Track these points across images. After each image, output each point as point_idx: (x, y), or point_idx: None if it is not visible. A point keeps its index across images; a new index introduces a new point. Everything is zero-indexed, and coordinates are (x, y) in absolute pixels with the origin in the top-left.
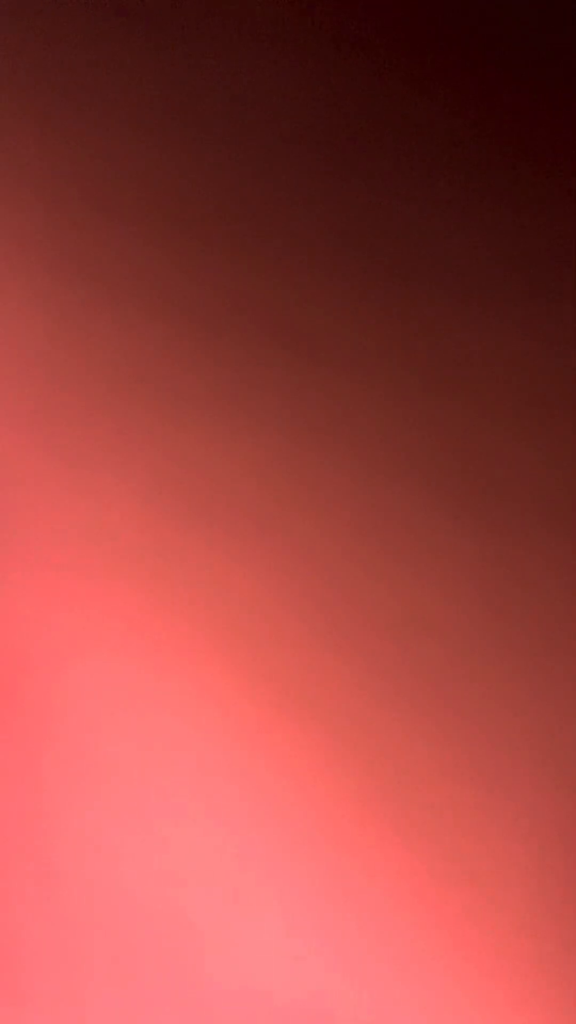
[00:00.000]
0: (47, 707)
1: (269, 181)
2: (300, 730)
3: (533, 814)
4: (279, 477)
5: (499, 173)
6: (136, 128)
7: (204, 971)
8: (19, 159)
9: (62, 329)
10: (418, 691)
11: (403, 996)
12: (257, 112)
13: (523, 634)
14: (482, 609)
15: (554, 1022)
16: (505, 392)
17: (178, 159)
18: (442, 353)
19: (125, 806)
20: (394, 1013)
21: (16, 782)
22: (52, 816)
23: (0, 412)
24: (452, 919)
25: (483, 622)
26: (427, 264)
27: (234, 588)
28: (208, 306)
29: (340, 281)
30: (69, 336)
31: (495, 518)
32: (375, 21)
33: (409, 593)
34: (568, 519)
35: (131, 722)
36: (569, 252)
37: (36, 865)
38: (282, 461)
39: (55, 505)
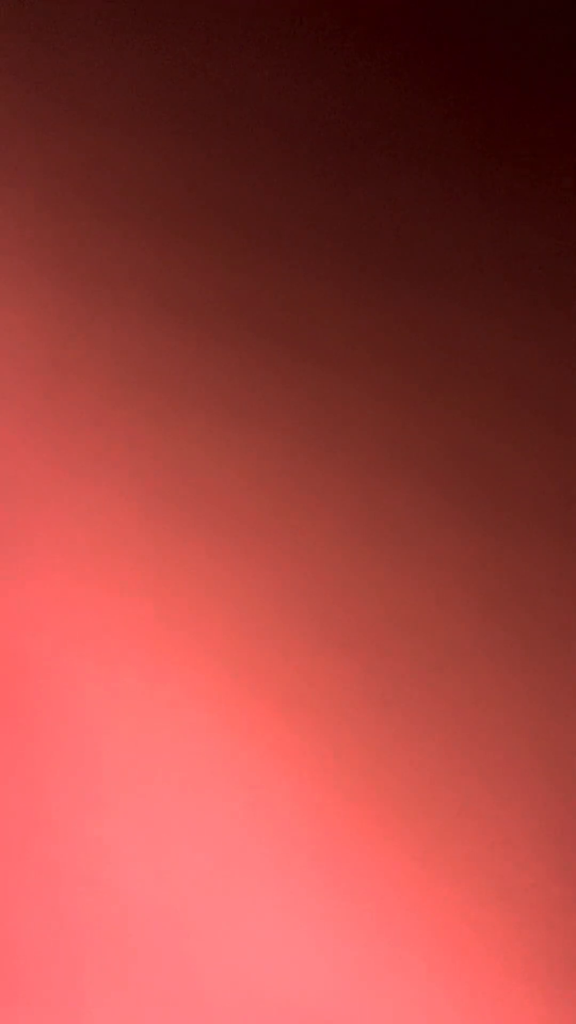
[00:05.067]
0: (48, 711)
1: (269, 184)
2: (299, 732)
3: (532, 814)
4: (279, 481)
5: (500, 176)
6: (136, 131)
7: (203, 972)
8: (19, 162)
9: (62, 334)
10: (416, 693)
11: (403, 997)
12: (257, 115)
13: (520, 636)
14: (480, 611)
15: (556, 1022)
16: (504, 395)
17: (178, 162)
18: (441, 356)
19: (125, 808)
20: (394, 1014)
21: (17, 784)
22: (52, 818)
23: (1, 417)
24: (452, 920)
25: (481, 624)
26: (427, 266)
27: (233, 592)
28: (208, 309)
29: (340, 283)
30: (69, 341)
31: (493, 520)
32: (377, 23)
33: (408, 596)
34: (566, 522)
35: (131, 725)
36: (569, 255)
37: (36, 866)
38: (282, 465)
39: (55, 509)
